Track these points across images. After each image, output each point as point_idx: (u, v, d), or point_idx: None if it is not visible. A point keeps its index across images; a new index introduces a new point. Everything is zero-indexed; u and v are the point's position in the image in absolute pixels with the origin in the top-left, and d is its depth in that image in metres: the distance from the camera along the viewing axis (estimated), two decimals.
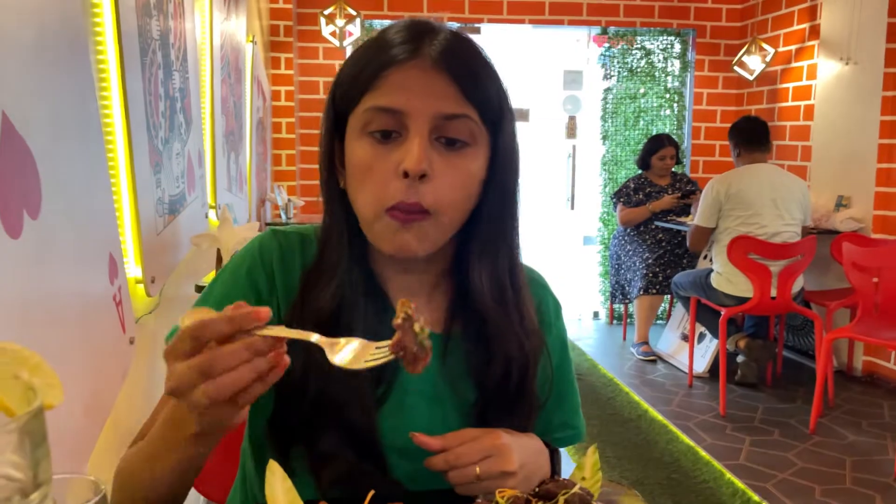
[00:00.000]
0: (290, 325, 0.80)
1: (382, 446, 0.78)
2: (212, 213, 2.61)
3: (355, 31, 4.46)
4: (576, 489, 0.64)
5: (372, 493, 0.61)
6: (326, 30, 4.44)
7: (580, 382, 3.55)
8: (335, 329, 0.77)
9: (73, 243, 1.32)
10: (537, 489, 0.65)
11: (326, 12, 4.40)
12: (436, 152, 0.74)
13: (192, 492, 1.26)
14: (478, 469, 0.69)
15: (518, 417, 0.82)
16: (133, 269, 1.74)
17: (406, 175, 0.72)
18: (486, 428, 0.76)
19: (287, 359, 0.58)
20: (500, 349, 0.80)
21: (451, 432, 0.73)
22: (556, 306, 0.93)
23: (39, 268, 1.16)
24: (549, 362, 0.88)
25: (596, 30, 5.19)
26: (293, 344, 0.77)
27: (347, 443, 0.76)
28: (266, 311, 0.57)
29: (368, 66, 0.74)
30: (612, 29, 5.14)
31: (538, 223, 6.80)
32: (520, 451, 0.73)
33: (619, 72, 5.23)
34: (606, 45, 5.24)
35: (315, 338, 0.60)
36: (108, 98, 1.63)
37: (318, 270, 0.79)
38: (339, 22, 4.38)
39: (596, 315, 5.46)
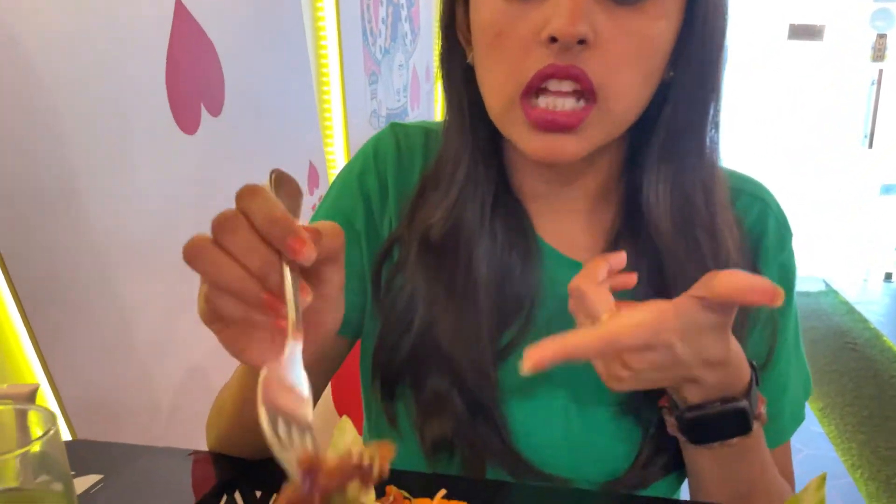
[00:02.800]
0: (396, 242, 0.63)
1: (502, 409, 0.59)
2: None
3: None
4: None
5: (443, 492, 0.43)
6: None
7: (854, 354, 2.96)
8: (452, 260, 0.58)
9: (263, 147, 1.28)
10: None
11: None
12: (599, 9, 0.49)
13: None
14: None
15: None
16: None
17: (553, 41, 0.49)
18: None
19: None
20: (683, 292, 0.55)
21: None
22: (781, 230, 0.63)
23: (216, 167, 1.13)
24: (773, 317, 0.60)
25: None
26: (400, 264, 0.61)
27: (458, 395, 0.58)
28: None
29: None
30: None
31: (822, 163, 5.84)
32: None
33: None
34: None
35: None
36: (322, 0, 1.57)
37: (435, 177, 0.60)
38: None
39: (888, 277, 4.59)
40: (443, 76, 0.60)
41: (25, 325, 0.78)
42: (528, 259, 0.60)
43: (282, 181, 0.40)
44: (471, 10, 0.54)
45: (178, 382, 1.02)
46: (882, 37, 5.66)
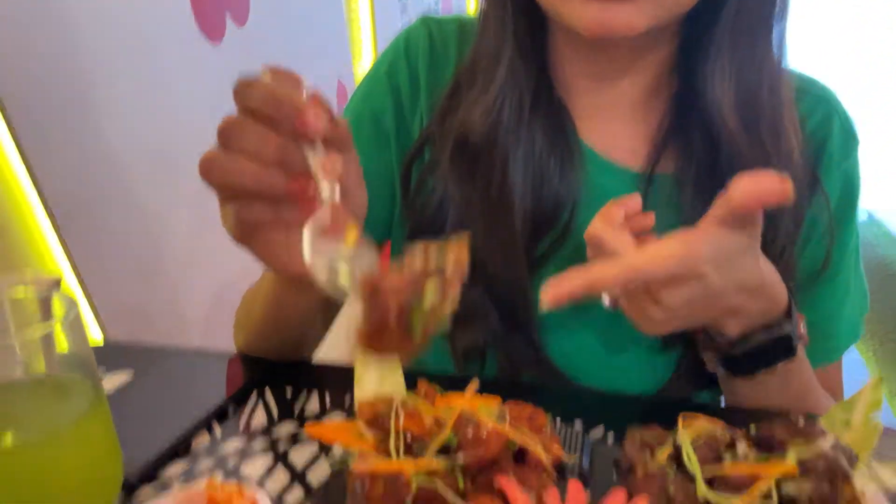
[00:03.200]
0: (427, 142, 0.60)
1: (536, 319, 0.57)
2: None
3: None
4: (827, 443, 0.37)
5: (475, 384, 0.41)
6: None
7: None
8: (487, 164, 0.55)
9: (290, 63, 1.24)
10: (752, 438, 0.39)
11: None
12: None
13: None
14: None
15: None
16: None
17: None
18: None
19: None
20: None
21: None
22: (847, 136, 0.59)
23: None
24: (829, 220, 0.56)
25: None
26: (431, 165, 0.57)
27: (491, 305, 0.57)
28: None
29: None
30: None
31: (866, 89, 5.58)
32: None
33: None
34: None
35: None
36: None
37: (471, 72, 0.57)
38: None
39: None
40: None
41: (56, 234, 0.77)
42: (569, 163, 0.56)
43: (278, 73, 0.36)
44: None
45: (210, 294, 1.02)
46: None
